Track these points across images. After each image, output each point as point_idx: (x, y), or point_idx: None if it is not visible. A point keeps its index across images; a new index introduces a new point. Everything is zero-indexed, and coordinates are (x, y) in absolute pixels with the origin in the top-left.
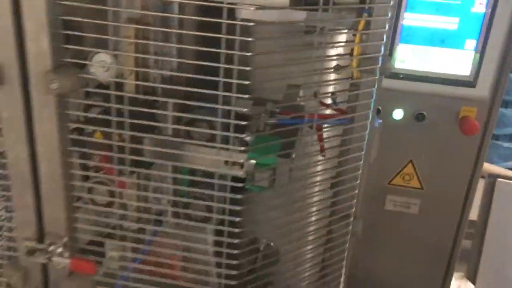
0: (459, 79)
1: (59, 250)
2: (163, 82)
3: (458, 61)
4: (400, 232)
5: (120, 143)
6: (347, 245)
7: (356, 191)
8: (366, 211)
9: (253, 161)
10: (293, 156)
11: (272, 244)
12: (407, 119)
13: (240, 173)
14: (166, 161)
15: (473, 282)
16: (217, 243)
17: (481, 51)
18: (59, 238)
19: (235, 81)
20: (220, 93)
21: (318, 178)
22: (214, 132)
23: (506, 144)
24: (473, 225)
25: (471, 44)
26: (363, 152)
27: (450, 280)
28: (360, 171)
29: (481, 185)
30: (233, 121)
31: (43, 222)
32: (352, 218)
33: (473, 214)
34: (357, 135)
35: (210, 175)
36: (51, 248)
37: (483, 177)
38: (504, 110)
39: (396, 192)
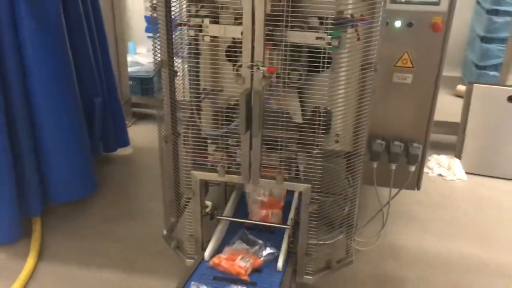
0: (431, 1)
1: (261, 65)
2: None
3: None
4: (400, 94)
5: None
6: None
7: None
8: (382, 83)
9: (329, 36)
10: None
11: (328, 108)
12: (403, 26)
13: (323, 42)
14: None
15: (459, 158)
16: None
17: None
18: (261, 62)
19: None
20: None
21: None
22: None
23: (491, 73)
24: (456, 126)
25: None
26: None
27: (431, 123)
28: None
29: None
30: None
31: (254, 54)
32: (373, 71)
33: (456, 118)
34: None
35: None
36: (258, 63)
37: (461, 97)
38: (489, 45)
39: (398, 70)
